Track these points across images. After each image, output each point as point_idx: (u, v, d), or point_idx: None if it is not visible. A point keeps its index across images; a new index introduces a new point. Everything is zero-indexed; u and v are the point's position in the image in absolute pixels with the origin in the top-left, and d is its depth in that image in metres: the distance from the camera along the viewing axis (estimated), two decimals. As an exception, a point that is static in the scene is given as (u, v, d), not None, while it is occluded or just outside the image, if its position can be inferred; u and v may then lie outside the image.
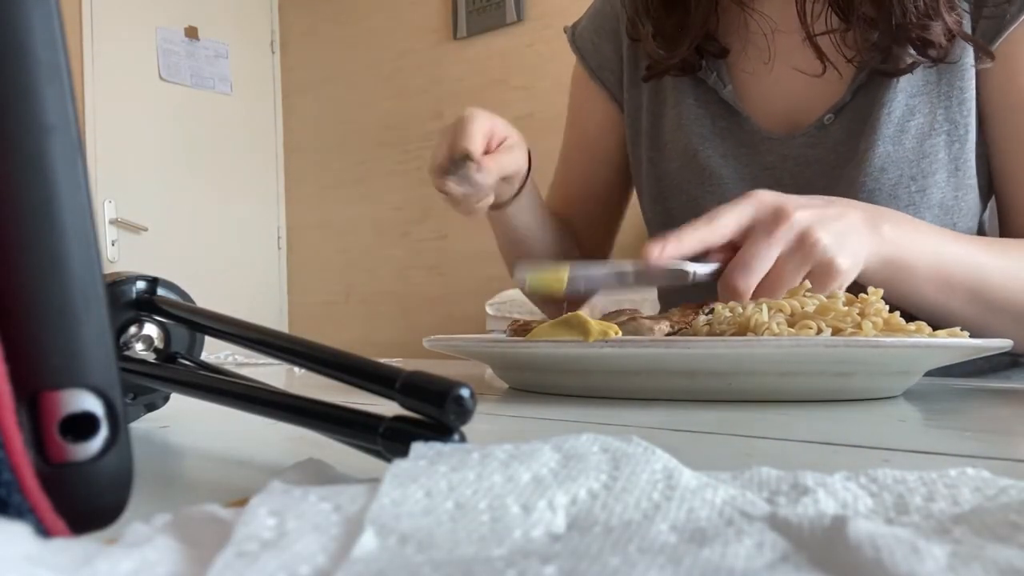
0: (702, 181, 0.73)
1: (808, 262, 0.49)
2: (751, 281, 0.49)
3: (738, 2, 0.71)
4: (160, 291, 0.32)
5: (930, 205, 0.65)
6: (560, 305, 0.64)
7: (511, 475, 0.16)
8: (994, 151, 0.67)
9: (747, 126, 0.72)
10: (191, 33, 3.38)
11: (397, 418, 0.20)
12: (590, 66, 0.83)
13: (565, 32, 0.87)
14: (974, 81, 0.65)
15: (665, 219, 0.77)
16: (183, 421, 0.38)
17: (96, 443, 0.16)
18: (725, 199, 0.71)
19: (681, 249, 0.49)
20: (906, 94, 0.66)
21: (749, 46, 0.72)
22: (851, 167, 0.67)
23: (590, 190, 0.86)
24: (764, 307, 0.45)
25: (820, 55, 0.66)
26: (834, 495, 0.17)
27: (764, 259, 0.49)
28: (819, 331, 0.42)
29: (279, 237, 3.72)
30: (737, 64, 0.73)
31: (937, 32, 0.62)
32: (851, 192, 0.66)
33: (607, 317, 0.50)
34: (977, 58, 0.65)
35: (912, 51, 0.64)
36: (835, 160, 0.68)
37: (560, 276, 0.48)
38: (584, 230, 0.86)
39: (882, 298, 0.46)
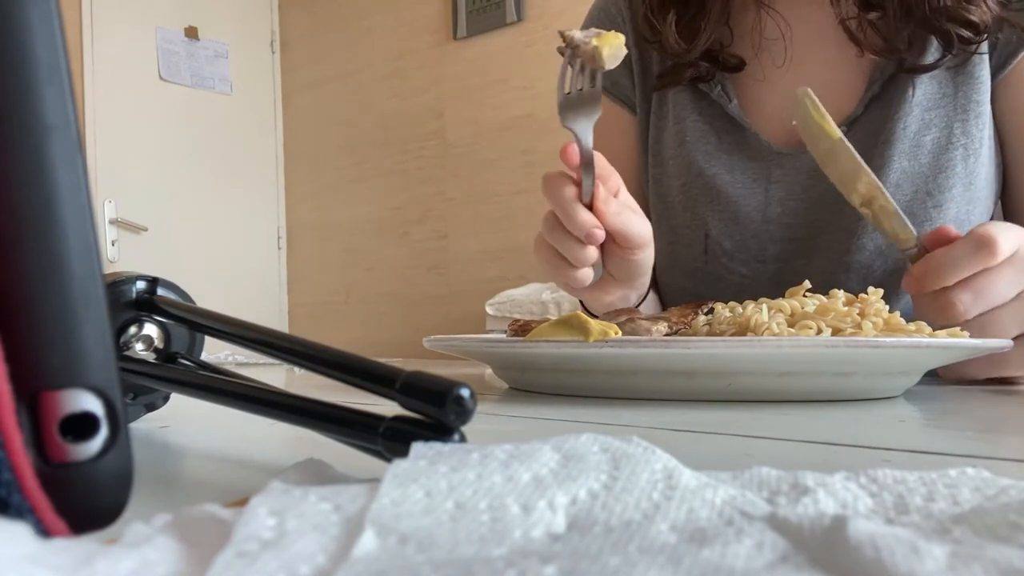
0: (710, 199, 0.72)
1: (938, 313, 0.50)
2: (936, 283, 0.50)
3: (756, 1, 0.70)
4: (160, 291, 0.32)
5: (946, 220, 0.65)
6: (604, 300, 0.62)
7: (511, 475, 0.16)
8: (1007, 166, 0.68)
9: (755, 141, 0.71)
10: (191, 33, 3.38)
11: (397, 418, 0.20)
12: (604, 85, 0.81)
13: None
14: (989, 95, 0.65)
15: (671, 237, 0.75)
16: (183, 421, 0.38)
17: (96, 443, 0.16)
18: (734, 216, 0.71)
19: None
20: (921, 108, 0.65)
21: (762, 52, 0.71)
22: None
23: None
24: (764, 307, 0.45)
25: (853, 39, 0.65)
26: (834, 495, 0.17)
27: (951, 276, 0.49)
28: (819, 331, 0.42)
29: (279, 237, 3.72)
30: (748, 72, 0.72)
31: (981, 12, 0.61)
32: None
33: (606, 317, 0.50)
34: (1002, 62, 0.64)
35: (953, 37, 0.62)
36: None
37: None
38: None
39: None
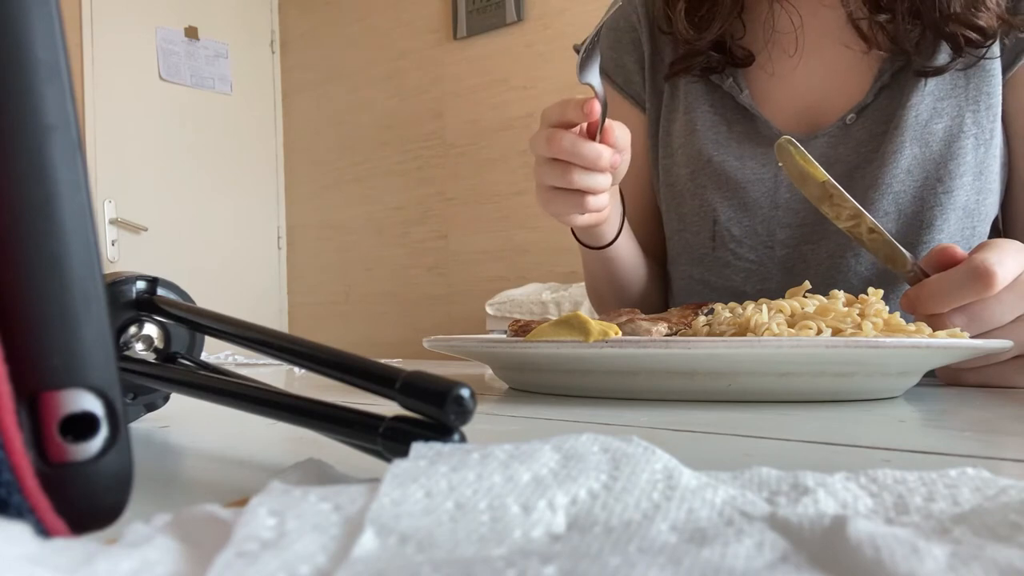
0: (718, 186, 0.72)
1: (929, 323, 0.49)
2: (930, 309, 0.50)
3: None
4: (160, 291, 0.32)
5: (955, 207, 0.65)
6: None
7: (511, 475, 0.16)
8: (1011, 167, 0.68)
9: (765, 129, 0.72)
10: (191, 33, 3.38)
11: (397, 418, 0.20)
12: (617, 82, 0.81)
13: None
14: (1000, 87, 0.66)
15: (679, 225, 0.76)
16: (183, 421, 0.38)
17: (96, 443, 0.16)
18: (743, 202, 0.71)
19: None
20: (933, 97, 0.66)
21: (773, 46, 0.72)
22: (874, 167, 0.67)
23: (650, 206, 0.83)
24: (764, 307, 0.45)
25: (862, 35, 0.66)
26: (834, 495, 0.17)
27: (945, 304, 0.49)
28: (819, 331, 0.42)
29: (279, 237, 3.72)
30: (759, 65, 0.73)
31: (988, 17, 0.62)
32: (876, 193, 0.66)
33: (606, 317, 0.50)
34: (1010, 61, 0.65)
35: (961, 41, 0.63)
36: (857, 160, 0.68)
37: None
38: (650, 250, 0.82)
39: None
